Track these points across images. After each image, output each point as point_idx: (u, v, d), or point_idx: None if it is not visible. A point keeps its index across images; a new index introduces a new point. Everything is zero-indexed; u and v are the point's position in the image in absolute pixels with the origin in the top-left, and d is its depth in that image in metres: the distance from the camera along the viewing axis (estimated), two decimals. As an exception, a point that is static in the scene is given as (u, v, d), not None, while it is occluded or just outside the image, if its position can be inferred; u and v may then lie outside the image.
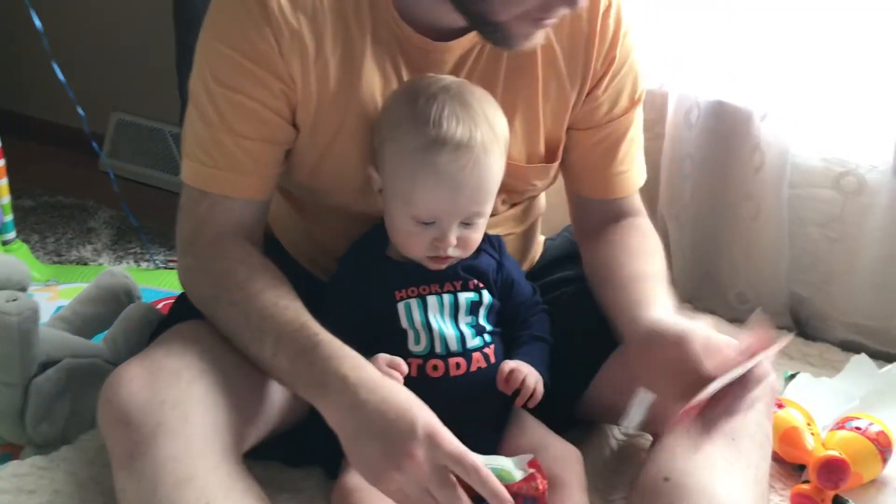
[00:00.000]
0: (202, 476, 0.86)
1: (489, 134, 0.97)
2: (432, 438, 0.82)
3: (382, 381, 0.88)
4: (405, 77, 1.03)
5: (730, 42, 1.50)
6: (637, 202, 1.18)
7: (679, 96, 1.55)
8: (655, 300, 0.99)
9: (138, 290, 1.33)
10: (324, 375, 0.88)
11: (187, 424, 0.88)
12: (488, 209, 1.01)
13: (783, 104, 1.48)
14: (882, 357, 1.46)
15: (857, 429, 1.16)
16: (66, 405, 1.13)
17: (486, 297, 1.05)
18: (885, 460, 1.16)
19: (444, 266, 1.02)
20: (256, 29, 0.96)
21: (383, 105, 1.01)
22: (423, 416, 0.84)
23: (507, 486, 0.84)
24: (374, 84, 1.02)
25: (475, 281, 1.05)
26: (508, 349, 1.06)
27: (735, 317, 1.64)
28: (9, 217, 1.69)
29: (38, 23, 1.64)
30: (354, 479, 0.96)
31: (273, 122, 0.99)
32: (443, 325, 1.01)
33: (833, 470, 1.10)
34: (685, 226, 1.64)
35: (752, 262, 1.59)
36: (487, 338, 1.04)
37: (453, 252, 1.00)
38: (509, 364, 1.00)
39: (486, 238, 1.07)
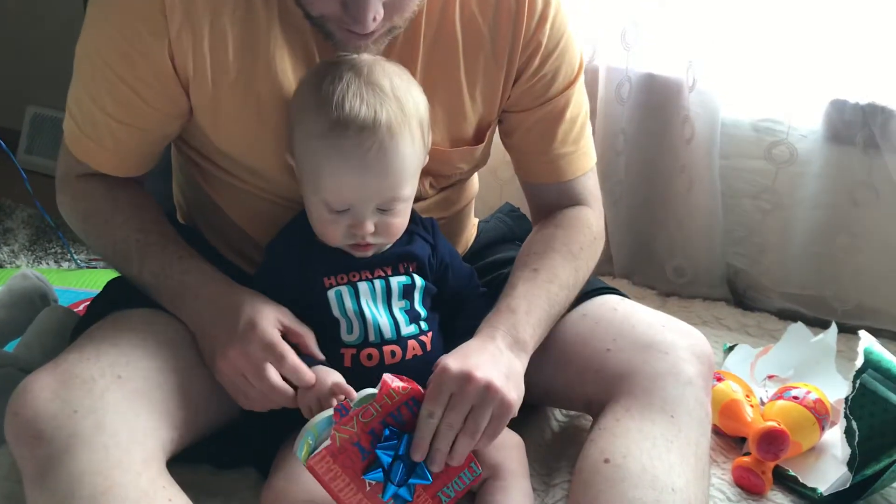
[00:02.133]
0: (120, 487, 0.82)
1: (397, 114, 0.92)
2: (248, 331, 0.90)
3: (230, 288, 0.96)
4: (317, 58, 0.99)
5: (658, 12, 1.49)
6: (585, 185, 1.14)
7: (608, 70, 1.54)
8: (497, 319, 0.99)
9: (53, 292, 1.27)
10: (181, 287, 0.97)
11: (102, 434, 0.84)
12: (406, 193, 0.96)
13: (711, 73, 1.47)
14: (819, 324, 1.48)
15: (795, 398, 1.17)
16: (-23, 418, 1.06)
17: (419, 280, 1.02)
18: (822, 428, 1.17)
19: (368, 253, 0.99)
20: (143, 13, 0.93)
21: (296, 88, 0.97)
22: (251, 309, 0.92)
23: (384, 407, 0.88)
24: (285, 64, 0.98)
25: (405, 264, 1.01)
26: (446, 334, 1.03)
27: (673, 290, 1.65)
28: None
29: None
30: (284, 480, 0.93)
31: (143, 112, 0.98)
32: (375, 312, 0.98)
33: (772, 441, 1.11)
34: (620, 201, 1.63)
35: (687, 235, 1.60)
36: (423, 325, 1.01)
37: (373, 239, 0.97)
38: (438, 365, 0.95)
39: (419, 221, 1.05)
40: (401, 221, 0.98)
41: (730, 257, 1.62)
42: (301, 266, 0.99)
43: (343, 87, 0.91)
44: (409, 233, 1.02)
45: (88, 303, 1.31)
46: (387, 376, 0.89)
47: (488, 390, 0.89)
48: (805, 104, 1.47)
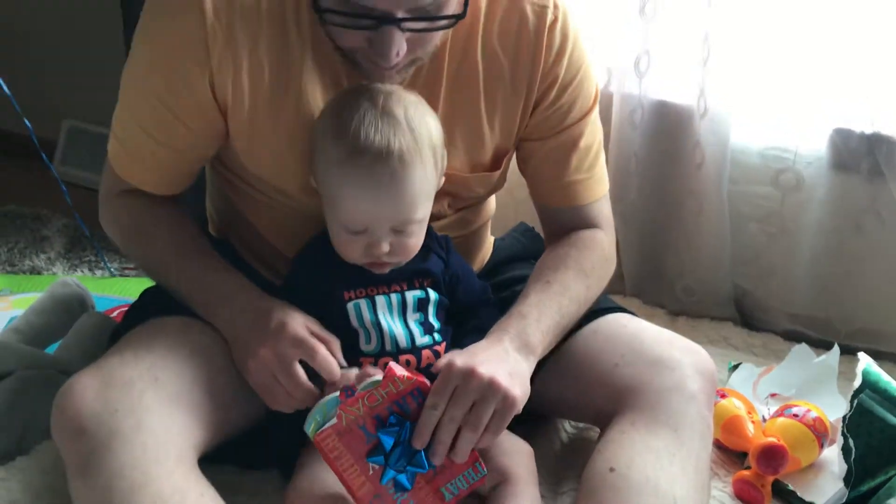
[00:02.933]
0: (156, 482, 0.87)
1: (409, 143, 0.96)
2: (279, 330, 0.96)
3: (262, 297, 1.02)
4: (346, 86, 1.04)
5: (671, 42, 1.55)
6: (599, 211, 1.18)
7: (622, 97, 1.59)
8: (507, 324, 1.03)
9: (91, 299, 1.33)
10: (217, 297, 1.03)
11: (140, 432, 0.89)
12: (419, 216, 1.00)
13: (722, 101, 1.52)
14: (823, 346, 1.50)
15: (795, 416, 1.21)
16: (20, 416, 1.13)
17: (433, 294, 1.07)
18: (821, 445, 1.21)
19: (385, 270, 1.04)
20: (187, 43, 0.98)
21: (318, 115, 1.03)
22: (281, 313, 0.98)
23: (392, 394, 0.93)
24: (315, 91, 1.03)
25: (420, 280, 1.07)
26: (456, 340, 1.07)
27: (682, 310, 1.69)
28: (-42, 227, 1.67)
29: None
30: (306, 481, 0.98)
31: (183, 135, 1.04)
32: (392, 323, 1.04)
33: (772, 456, 1.15)
34: (631, 222, 1.68)
35: (696, 257, 1.64)
36: (437, 336, 1.06)
37: (389, 258, 1.02)
38: (443, 360, 0.99)
39: (435, 237, 1.09)
40: (415, 241, 1.03)
41: (737, 279, 1.66)
42: (323, 280, 1.05)
43: (360, 116, 0.96)
44: (426, 249, 1.07)
45: (122, 309, 1.39)
46: (392, 364, 0.94)
47: (491, 385, 0.93)
48: (811, 132, 1.51)
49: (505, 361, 0.97)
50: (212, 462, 0.99)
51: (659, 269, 1.71)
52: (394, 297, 1.05)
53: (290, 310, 1.00)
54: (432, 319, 1.07)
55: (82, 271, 1.89)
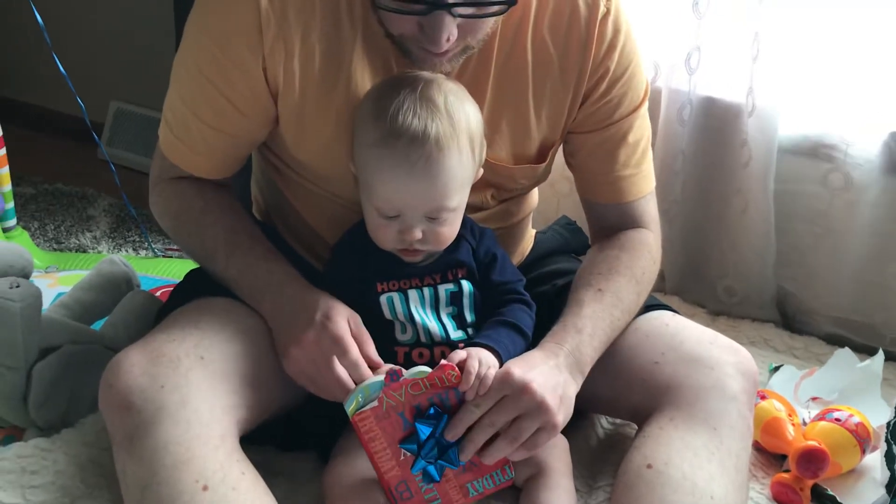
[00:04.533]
0: (199, 458, 0.89)
1: (446, 128, 0.96)
2: (324, 322, 0.96)
3: (309, 288, 1.03)
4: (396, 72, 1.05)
5: (722, 38, 1.53)
6: (646, 209, 1.17)
7: (671, 93, 1.58)
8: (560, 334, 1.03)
9: (137, 277, 1.35)
10: (265, 284, 1.03)
11: (186, 409, 0.91)
12: (452, 204, 1.00)
13: (771, 98, 1.50)
14: (866, 351, 1.49)
15: (837, 420, 1.20)
16: (66, 389, 1.15)
17: (467, 286, 1.06)
18: (863, 451, 1.19)
19: (417, 258, 1.04)
20: (241, 28, 0.99)
21: (360, 101, 1.03)
22: (326, 305, 0.99)
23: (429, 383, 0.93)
24: (365, 78, 1.04)
25: (454, 271, 1.06)
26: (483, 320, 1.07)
27: (723, 310, 1.68)
28: (10, 205, 1.71)
29: (38, 16, 1.66)
30: (343, 465, 0.99)
31: (235, 120, 1.04)
32: (425, 317, 1.04)
33: (812, 459, 1.13)
34: (675, 220, 1.67)
35: (740, 256, 1.62)
36: (472, 331, 1.06)
37: (422, 246, 1.01)
38: (457, 355, 0.97)
39: (468, 225, 1.08)
40: (449, 230, 1.02)
41: (781, 280, 1.64)
42: (358, 270, 1.05)
43: (399, 100, 0.96)
44: (458, 238, 1.06)
45: (166, 289, 1.41)
46: (447, 362, 0.94)
47: (541, 407, 0.93)
48: (863, 134, 1.49)
49: (558, 382, 0.97)
50: (252, 442, 1.00)
51: (701, 268, 1.70)
52: (426, 290, 1.05)
53: (336, 303, 1.00)
54: (466, 313, 1.06)
55: (127, 251, 1.92)
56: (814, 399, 1.34)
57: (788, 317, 1.67)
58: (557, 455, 1.04)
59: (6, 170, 1.69)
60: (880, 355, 1.35)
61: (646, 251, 1.14)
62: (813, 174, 1.54)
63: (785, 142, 1.54)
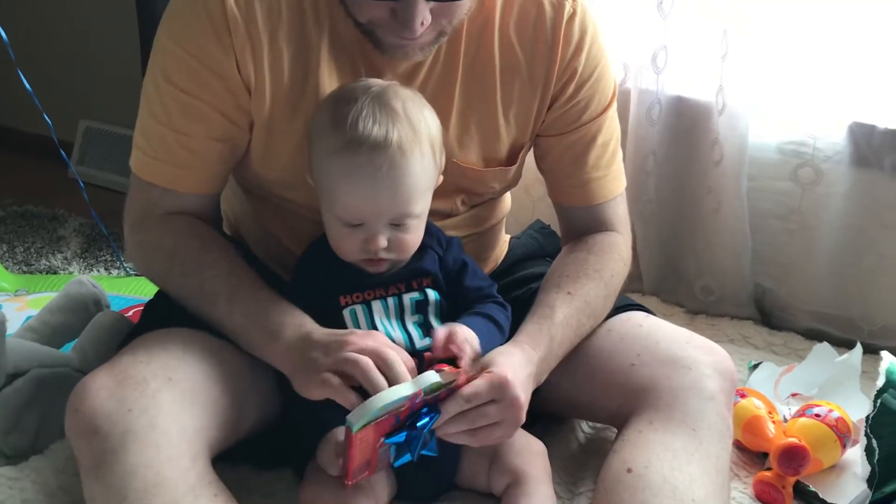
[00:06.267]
0: (171, 481, 0.87)
1: (409, 134, 0.96)
2: (329, 346, 0.92)
3: (315, 328, 0.97)
4: (363, 73, 1.03)
5: (689, 37, 1.53)
6: (615, 210, 1.17)
7: (640, 93, 1.58)
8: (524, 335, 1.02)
9: (107, 298, 1.33)
10: (278, 329, 0.97)
11: (154, 432, 0.89)
12: (416, 210, 0.99)
13: (741, 97, 1.50)
14: (844, 344, 1.49)
15: (817, 416, 1.19)
16: (35, 415, 1.13)
17: (432, 294, 1.05)
18: (843, 446, 1.19)
19: (382, 269, 1.02)
20: (210, 30, 0.98)
21: (316, 109, 1.02)
22: (326, 334, 0.95)
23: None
24: (333, 83, 1.03)
25: (419, 280, 1.05)
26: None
27: (701, 308, 1.68)
28: (-26, 228, 1.68)
29: (2, 33, 1.64)
30: (318, 482, 0.97)
31: (216, 122, 1.02)
32: (389, 328, 1.02)
33: (793, 457, 1.13)
34: (650, 220, 1.67)
35: (715, 255, 1.63)
36: None
37: (386, 255, 1.00)
38: (441, 330, 0.97)
39: (434, 233, 1.07)
40: (413, 238, 1.01)
41: (757, 277, 1.65)
42: (320, 284, 1.03)
43: (357, 108, 0.95)
44: (423, 247, 1.05)
45: (138, 308, 1.38)
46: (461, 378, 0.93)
47: (517, 417, 0.94)
48: (829, 126, 1.49)
49: (529, 391, 0.98)
50: (227, 461, 0.99)
51: (677, 268, 1.70)
52: (391, 300, 1.04)
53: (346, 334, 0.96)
54: (432, 320, 1.05)
55: (98, 270, 1.89)
56: (794, 395, 1.34)
57: (766, 313, 1.67)
58: (535, 462, 1.03)
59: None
60: (858, 349, 1.35)
61: (615, 254, 1.14)
62: (783, 170, 1.55)
63: (754, 139, 1.54)
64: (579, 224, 1.17)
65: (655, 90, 1.57)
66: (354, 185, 0.96)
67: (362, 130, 0.94)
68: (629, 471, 0.96)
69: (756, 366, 1.43)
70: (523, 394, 0.94)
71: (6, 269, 1.81)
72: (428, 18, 0.93)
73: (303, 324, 0.97)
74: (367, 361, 0.89)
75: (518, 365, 0.96)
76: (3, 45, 1.64)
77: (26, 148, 2.45)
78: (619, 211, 1.18)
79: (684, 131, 1.59)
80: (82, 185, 1.82)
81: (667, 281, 1.71)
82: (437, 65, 1.05)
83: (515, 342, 1.01)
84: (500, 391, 0.92)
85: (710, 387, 1.02)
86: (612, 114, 1.15)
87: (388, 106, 0.96)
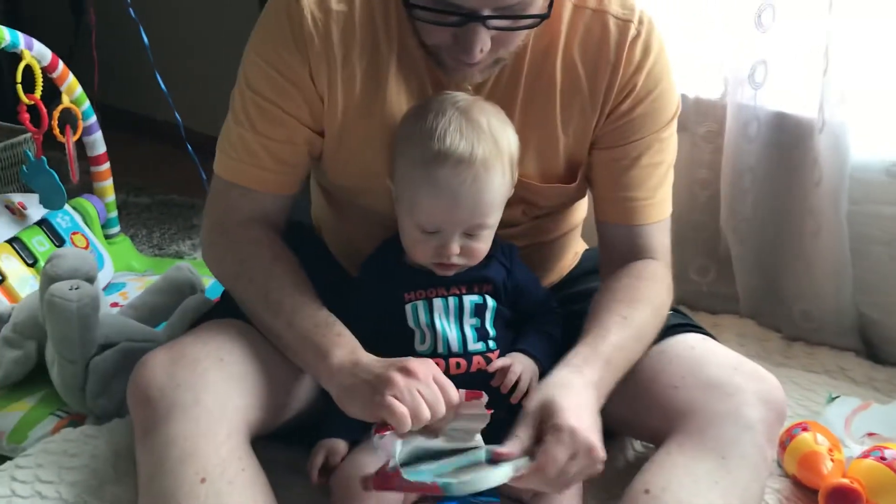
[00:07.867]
0: (203, 452, 0.95)
1: (492, 150, 1.00)
2: (372, 384, 0.94)
3: (364, 355, 0.99)
4: (430, 93, 1.08)
5: (790, 52, 1.47)
6: (656, 236, 1.15)
7: (737, 108, 1.52)
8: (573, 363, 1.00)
9: (202, 283, 1.45)
10: (329, 348, 0.99)
11: (197, 407, 0.97)
12: (491, 221, 1.04)
13: (842, 114, 1.42)
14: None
15: (882, 458, 1.12)
16: (121, 383, 1.24)
17: (490, 301, 1.09)
18: (909, 492, 1.11)
19: (450, 272, 1.07)
20: (290, 46, 1.06)
21: (401, 119, 1.08)
22: (392, 364, 0.95)
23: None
24: (401, 97, 1.08)
25: (480, 285, 1.09)
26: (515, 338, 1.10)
27: (799, 335, 1.59)
28: (113, 214, 1.87)
29: (144, 37, 1.81)
30: (351, 464, 1.03)
31: (293, 126, 1.09)
32: (446, 326, 1.07)
33: (841, 498, 1.07)
34: (747, 240, 1.60)
35: (815, 279, 1.54)
36: (491, 344, 1.08)
37: (458, 260, 1.05)
38: (499, 361, 1.04)
39: (499, 246, 1.11)
40: (484, 246, 1.06)
41: (864, 306, 1.54)
42: (386, 282, 1.09)
43: (445, 121, 1.00)
44: (489, 257, 1.09)
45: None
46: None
47: (596, 461, 0.92)
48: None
49: (596, 424, 0.95)
50: (281, 441, 1.08)
51: (776, 291, 1.62)
52: (451, 300, 1.08)
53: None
54: (488, 326, 1.09)
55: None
56: (870, 435, 1.25)
57: (873, 346, 1.56)
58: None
59: (110, 182, 1.85)
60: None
61: (663, 284, 1.12)
62: (891, 193, 1.44)
63: (858, 160, 1.44)
64: (619, 245, 1.15)
65: (753, 105, 1.50)
66: (437, 197, 1.01)
67: (449, 144, 0.99)
68: (647, 492, 0.96)
69: (835, 398, 1.35)
70: (593, 434, 0.92)
71: (140, 251, 2.00)
72: (487, 45, 0.96)
73: (353, 350, 0.99)
74: (402, 413, 0.90)
75: (580, 403, 0.94)
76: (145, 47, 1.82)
77: (179, 141, 2.67)
78: (660, 237, 1.15)
79: (784, 149, 1.51)
80: (204, 177, 1.98)
81: (765, 304, 1.64)
82: (499, 84, 1.08)
83: (571, 366, 1.00)
84: (573, 445, 0.90)
85: (751, 415, 1.00)
86: (667, 137, 1.12)
87: (474, 121, 1.01)
